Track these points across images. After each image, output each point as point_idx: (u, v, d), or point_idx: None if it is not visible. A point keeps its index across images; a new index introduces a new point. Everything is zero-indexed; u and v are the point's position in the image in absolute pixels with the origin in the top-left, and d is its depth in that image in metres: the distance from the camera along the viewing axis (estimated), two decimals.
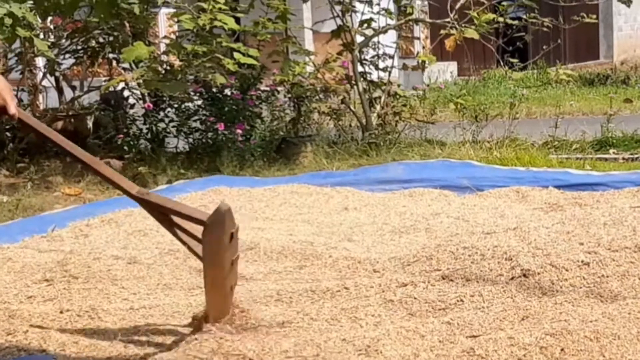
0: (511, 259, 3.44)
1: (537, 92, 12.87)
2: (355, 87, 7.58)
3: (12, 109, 2.90)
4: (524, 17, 7.92)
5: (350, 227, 4.38)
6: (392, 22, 7.94)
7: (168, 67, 7.02)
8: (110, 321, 3.11)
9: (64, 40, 7.52)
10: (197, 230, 2.92)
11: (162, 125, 7.30)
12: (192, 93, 7.28)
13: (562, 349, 2.61)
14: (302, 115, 7.65)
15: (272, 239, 4.10)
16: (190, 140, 7.27)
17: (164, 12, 10.45)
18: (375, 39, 7.78)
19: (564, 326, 2.74)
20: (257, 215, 4.76)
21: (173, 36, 8.08)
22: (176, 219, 2.99)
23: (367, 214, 4.71)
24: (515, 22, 7.71)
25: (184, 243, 3.01)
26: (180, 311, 3.20)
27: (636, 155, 6.87)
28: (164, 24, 12.09)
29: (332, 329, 2.96)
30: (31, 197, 5.70)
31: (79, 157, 3.19)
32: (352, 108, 7.64)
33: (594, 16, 7.87)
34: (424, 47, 12.34)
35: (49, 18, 7.29)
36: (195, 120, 7.27)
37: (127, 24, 7.08)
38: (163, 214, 3.03)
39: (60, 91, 7.92)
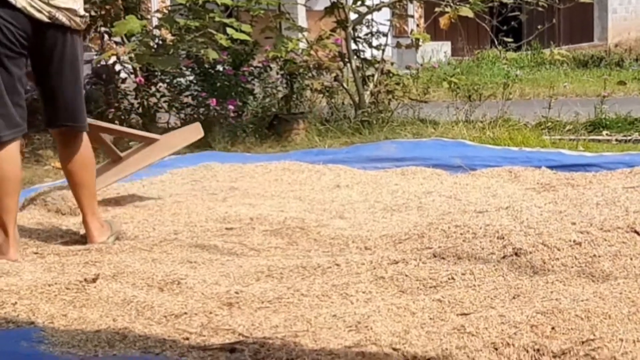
0: (503, 238, 3.44)
1: (531, 73, 12.86)
2: (348, 64, 7.55)
3: None
4: None
5: (342, 204, 4.37)
6: (386, 0, 7.90)
7: (160, 42, 6.97)
8: (99, 294, 3.10)
9: None
10: None
11: (153, 100, 7.27)
12: (184, 68, 7.24)
13: (552, 328, 2.60)
14: (295, 92, 7.62)
15: (263, 215, 4.08)
16: (182, 115, 7.24)
17: None
18: (369, 17, 7.74)
19: (555, 305, 2.74)
20: (249, 191, 4.74)
21: (166, 10, 8.02)
22: None
23: (359, 191, 4.70)
24: (510, 1, 7.68)
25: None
26: (169, 284, 3.19)
27: (629, 137, 6.87)
28: None
29: (323, 305, 2.95)
30: (21, 170, 5.66)
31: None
32: (345, 86, 7.62)
33: None
34: (418, 26, 12.32)
35: None
36: (187, 96, 7.23)
37: None
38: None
39: None
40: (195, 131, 4.55)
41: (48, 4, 3.52)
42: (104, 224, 3.91)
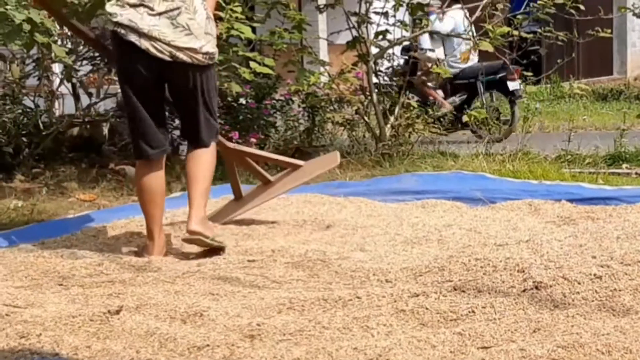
0: (523, 271, 3.45)
1: (551, 107, 12.85)
2: (369, 98, 7.60)
3: None
4: (539, 30, 7.93)
5: (362, 237, 4.39)
6: (407, 34, 7.96)
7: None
8: (122, 326, 3.13)
9: (81, 47, 7.57)
10: None
11: (177, 132, 7.32)
12: None
13: None
14: (316, 125, 7.67)
15: (284, 248, 4.11)
16: None
17: None
18: (390, 51, 7.80)
19: (576, 339, 2.75)
20: (270, 223, 4.77)
21: None
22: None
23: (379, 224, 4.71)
24: (530, 35, 7.72)
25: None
26: (191, 316, 3.22)
27: None
28: None
29: (344, 338, 2.97)
30: (46, 203, 5.74)
31: None
32: (366, 119, 7.66)
33: (609, 30, 7.87)
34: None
35: None
36: None
37: None
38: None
39: (76, 98, 7.96)
40: (333, 159, 5.01)
41: (169, 45, 3.98)
42: (209, 222, 4.27)
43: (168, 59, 4.00)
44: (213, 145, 4.30)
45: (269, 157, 5.32)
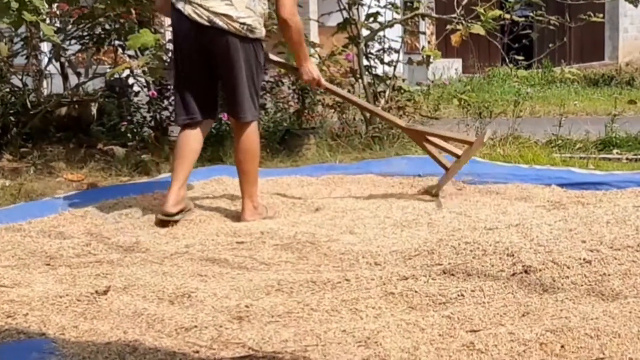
0: (513, 255, 3.45)
1: (542, 91, 12.86)
2: (360, 80, 7.57)
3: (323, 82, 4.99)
4: (531, 14, 7.90)
5: (352, 219, 4.38)
6: (399, 17, 7.92)
7: (173, 56, 6.99)
8: (110, 306, 3.12)
9: (70, 26, 7.50)
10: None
11: (166, 113, 7.29)
12: None
13: (562, 346, 2.62)
14: (307, 108, 7.63)
15: (274, 230, 4.10)
16: None
17: None
18: (381, 33, 7.76)
19: (565, 323, 2.75)
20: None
21: None
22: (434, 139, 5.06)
23: (369, 207, 4.71)
24: (522, 19, 7.68)
25: (433, 157, 5.06)
26: (179, 297, 3.20)
27: (639, 156, 6.85)
28: None
29: (332, 320, 2.97)
30: (33, 182, 5.70)
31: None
32: None
33: (601, 15, 7.85)
34: (429, 43, 12.33)
35: (55, 4, 7.26)
36: None
37: (133, 11, 7.05)
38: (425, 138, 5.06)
39: (65, 77, 7.90)
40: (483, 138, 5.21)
41: (207, 10, 4.31)
42: (259, 207, 4.52)
43: (206, 23, 4.32)
44: (255, 124, 4.52)
45: (442, 134, 5.32)
